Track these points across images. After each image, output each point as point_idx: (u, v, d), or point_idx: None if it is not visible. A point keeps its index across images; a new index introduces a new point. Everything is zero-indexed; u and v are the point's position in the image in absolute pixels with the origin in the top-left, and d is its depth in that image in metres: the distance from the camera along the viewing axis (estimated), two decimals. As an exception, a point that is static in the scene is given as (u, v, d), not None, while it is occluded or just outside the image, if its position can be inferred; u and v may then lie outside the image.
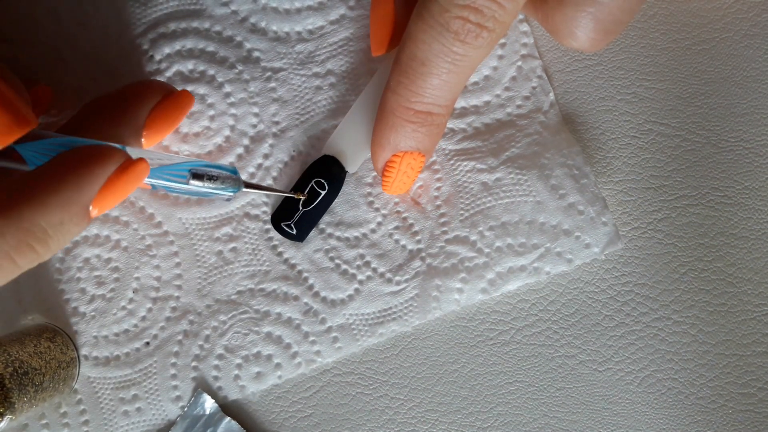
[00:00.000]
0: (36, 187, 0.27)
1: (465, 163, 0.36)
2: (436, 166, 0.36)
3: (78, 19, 0.37)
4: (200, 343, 0.36)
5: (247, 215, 0.37)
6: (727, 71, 0.36)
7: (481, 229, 0.36)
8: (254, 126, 0.37)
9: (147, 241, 0.37)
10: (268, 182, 0.37)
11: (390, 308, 0.36)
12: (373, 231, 0.36)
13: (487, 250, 0.35)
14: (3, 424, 0.31)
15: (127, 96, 0.33)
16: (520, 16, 0.37)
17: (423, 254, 0.36)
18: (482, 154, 0.36)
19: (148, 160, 0.30)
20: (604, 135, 0.37)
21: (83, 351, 0.36)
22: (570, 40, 0.32)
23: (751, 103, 0.36)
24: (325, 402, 0.36)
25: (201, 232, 0.37)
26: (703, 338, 0.36)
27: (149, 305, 0.36)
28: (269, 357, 0.36)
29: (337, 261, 0.36)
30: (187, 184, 0.32)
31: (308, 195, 0.36)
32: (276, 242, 0.36)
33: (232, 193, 0.33)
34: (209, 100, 0.37)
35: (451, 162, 0.36)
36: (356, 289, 0.36)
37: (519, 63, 0.37)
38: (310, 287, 0.36)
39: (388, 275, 0.36)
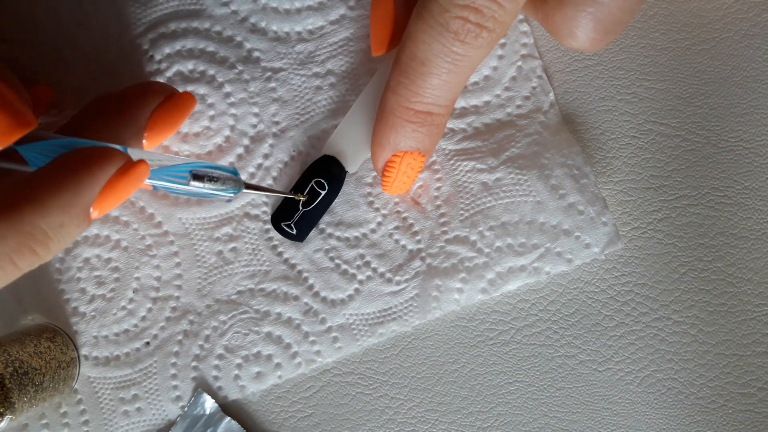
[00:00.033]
0: (37, 189, 0.27)
1: (465, 163, 0.36)
2: (436, 166, 0.36)
3: (78, 19, 0.37)
4: (200, 343, 0.36)
5: (247, 215, 0.37)
6: (727, 71, 0.36)
7: (481, 229, 0.36)
8: (254, 126, 0.37)
9: (147, 241, 0.37)
10: (268, 182, 0.37)
11: (390, 308, 0.36)
12: (373, 231, 0.36)
13: (487, 250, 0.35)
14: (3, 424, 0.31)
15: (128, 97, 0.33)
16: (520, 16, 0.37)
17: (423, 254, 0.36)
18: (482, 154, 0.36)
19: (149, 161, 0.30)
20: (604, 135, 0.37)
21: (83, 351, 0.36)
22: (570, 40, 0.32)
23: (751, 103, 0.36)
24: (325, 402, 0.36)
25: (201, 232, 0.37)
26: (703, 338, 0.36)
27: (149, 305, 0.36)
28: (269, 357, 0.36)
29: (337, 261, 0.36)
30: (188, 185, 0.32)
31: (308, 195, 0.36)
32: (276, 242, 0.36)
33: (232, 195, 0.33)
34: (209, 100, 0.37)
35: (451, 162, 0.36)
36: (356, 289, 0.36)
37: (519, 63, 0.37)
38: (310, 287, 0.36)
39: (388, 275, 0.36)
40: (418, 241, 0.36)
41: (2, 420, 0.31)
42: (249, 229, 0.37)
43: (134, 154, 0.30)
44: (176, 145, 0.37)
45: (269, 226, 0.36)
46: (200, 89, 0.37)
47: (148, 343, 0.36)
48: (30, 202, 0.27)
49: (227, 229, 0.37)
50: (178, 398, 0.36)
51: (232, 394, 0.36)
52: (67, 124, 0.32)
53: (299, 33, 0.37)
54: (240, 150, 0.37)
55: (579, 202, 0.35)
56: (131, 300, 0.36)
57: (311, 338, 0.36)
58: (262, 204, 0.37)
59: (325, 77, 0.37)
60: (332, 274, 0.36)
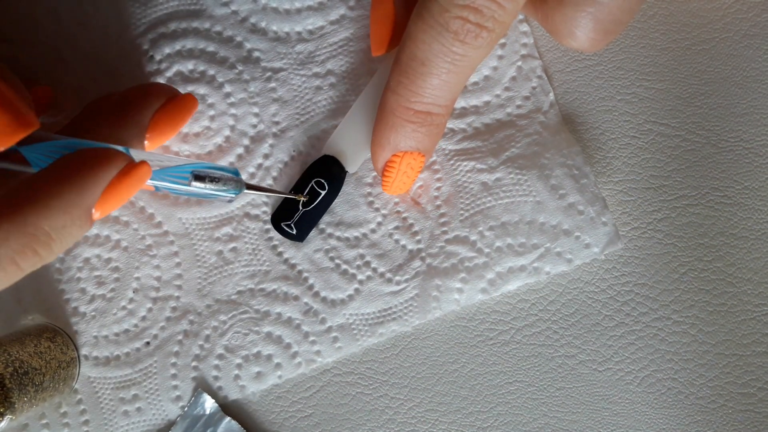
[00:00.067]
0: (39, 190, 0.27)
1: (465, 163, 0.36)
2: (436, 166, 0.36)
3: (78, 19, 0.37)
4: (200, 343, 0.36)
5: (247, 215, 0.37)
6: (727, 71, 0.36)
7: (481, 229, 0.36)
8: (254, 126, 0.37)
9: (147, 241, 0.37)
10: (268, 182, 0.37)
11: (390, 308, 0.36)
12: (373, 231, 0.36)
13: (487, 250, 0.35)
14: (3, 424, 0.31)
15: (131, 98, 0.33)
16: (520, 16, 0.37)
17: (423, 254, 0.36)
18: (482, 154, 0.36)
19: (151, 162, 0.30)
20: (604, 135, 0.37)
21: (83, 351, 0.36)
22: (570, 40, 0.32)
23: (751, 103, 0.36)
24: (325, 402, 0.36)
25: (201, 232, 0.37)
26: (703, 338, 0.36)
27: (149, 305, 0.36)
28: (269, 357, 0.36)
29: (337, 261, 0.36)
30: (189, 185, 0.32)
31: (308, 195, 0.36)
32: (276, 242, 0.36)
33: (234, 195, 0.33)
34: (209, 100, 0.37)
35: (451, 162, 0.36)
36: (356, 289, 0.36)
37: (519, 63, 0.37)
38: (310, 287, 0.36)
39: (388, 275, 0.36)
40: (418, 241, 0.36)
41: (2, 420, 0.31)
42: (249, 229, 0.37)
43: (136, 155, 0.30)
44: (176, 145, 0.37)
45: (269, 226, 0.36)
46: (200, 89, 0.37)
47: (148, 343, 0.36)
48: (33, 204, 0.27)
49: (227, 229, 0.37)
50: (178, 398, 0.36)
51: (232, 394, 0.36)
52: (69, 124, 0.32)
53: (299, 33, 0.37)
54: (240, 150, 0.37)
55: (579, 202, 0.35)
56: (131, 300, 0.36)
57: (311, 338, 0.36)
58: (262, 204, 0.37)
59: (325, 77, 0.37)
60: (332, 274, 0.36)
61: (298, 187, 0.36)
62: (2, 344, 0.33)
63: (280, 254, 0.36)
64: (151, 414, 0.36)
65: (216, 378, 0.36)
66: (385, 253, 0.36)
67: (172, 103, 0.33)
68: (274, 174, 0.37)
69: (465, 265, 0.35)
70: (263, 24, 0.37)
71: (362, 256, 0.36)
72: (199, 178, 0.32)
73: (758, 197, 0.36)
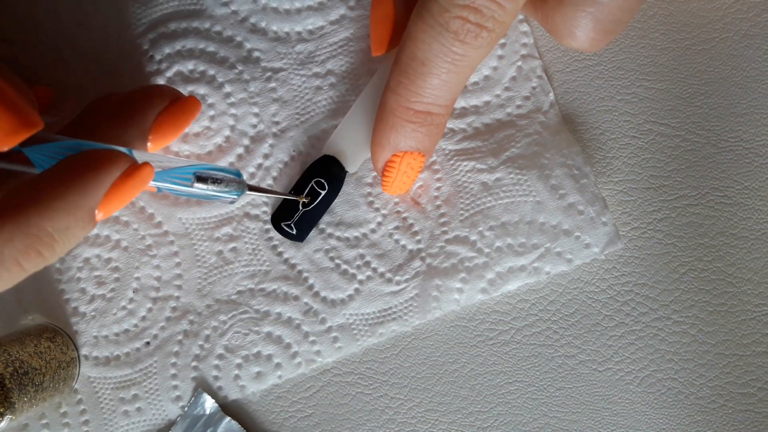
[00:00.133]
0: (43, 191, 0.27)
1: (465, 163, 0.36)
2: (436, 166, 0.36)
3: (78, 19, 0.37)
4: (200, 343, 0.36)
5: (247, 215, 0.37)
6: (727, 71, 0.36)
7: (481, 229, 0.36)
8: (254, 126, 0.37)
9: (147, 241, 0.37)
10: (268, 182, 0.37)
11: (390, 308, 0.36)
12: (373, 231, 0.36)
13: (487, 250, 0.35)
14: (3, 424, 0.31)
15: (134, 100, 0.33)
16: (520, 16, 0.37)
17: (423, 254, 0.36)
18: (482, 154, 0.36)
19: (153, 163, 0.30)
20: (604, 135, 0.37)
21: (83, 351, 0.36)
22: (570, 40, 0.32)
23: (751, 103, 0.36)
24: (325, 402, 0.36)
25: (201, 232, 0.37)
26: (703, 338, 0.36)
27: (149, 305, 0.36)
28: (269, 357, 0.36)
29: (337, 261, 0.36)
30: (192, 186, 0.32)
31: (308, 195, 0.36)
32: (276, 242, 0.36)
33: (236, 196, 0.33)
34: (209, 100, 0.37)
35: (451, 162, 0.36)
36: (356, 289, 0.36)
37: (519, 63, 0.37)
38: (310, 287, 0.36)
39: (388, 275, 0.36)
40: (418, 241, 0.36)
41: (2, 420, 0.31)
42: (249, 229, 0.37)
43: (139, 156, 0.30)
44: (176, 145, 0.37)
45: (269, 226, 0.36)
46: (200, 89, 0.37)
47: (148, 343, 0.36)
48: (36, 205, 0.27)
49: (227, 229, 0.37)
50: (178, 398, 0.36)
51: (232, 394, 0.36)
52: (69, 124, 0.32)
53: (299, 33, 0.37)
54: (240, 150, 0.37)
55: (579, 202, 0.35)
56: (131, 300, 0.36)
57: (311, 338, 0.36)
58: (262, 204, 0.37)
59: (325, 77, 0.37)
60: (332, 274, 0.36)
61: (298, 187, 0.36)
62: (2, 344, 0.33)
63: (280, 254, 0.36)
64: (151, 414, 0.36)
65: (216, 378, 0.36)
66: (385, 253, 0.36)
67: (175, 106, 0.33)
68: (274, 174, 0.37)
69: (465, 265, 0.35)
70: (263, 24, 0.37)
71: (362, 256, 0.36)
72: (201, 179, 0.32)
73: (758, 197, 0.36)
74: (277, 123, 0.37)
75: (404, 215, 0.36)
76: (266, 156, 0.37)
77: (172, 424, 0.36)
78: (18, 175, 0.30)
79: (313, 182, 0.36)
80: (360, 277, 0.36)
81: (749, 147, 0.36)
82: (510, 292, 0.36)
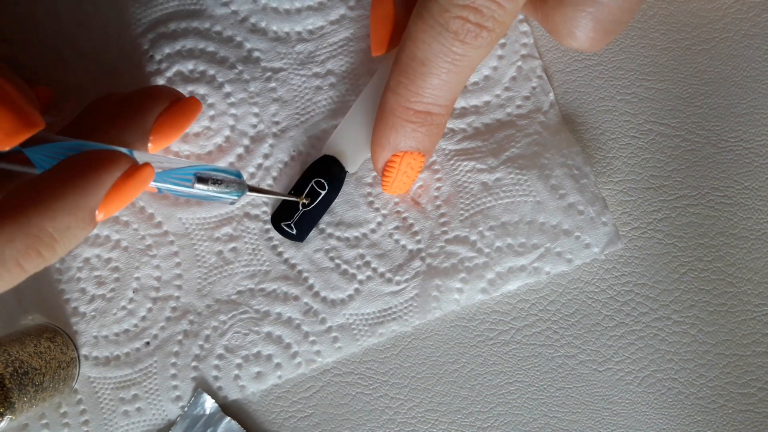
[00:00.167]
0: (44, 191, 0.27)
1: (465, 163, 0.36)
2: (436, 166, 0.36)
3: (78, 19, 0.37)
4: (200, 343, 0.36)
5: (247, 215, 0.37)
6: (727, 71, 0.36)
7: (481, 229, 0.36)
8: (254, 126, 0.37)
9: (147, 241, 0.37)
10: (268, 182, 0.37)
11: (390, 308, 0.36)
12: (373, 231, 0.36)
13: (487, 250, 0.35)
14: (3, 424, 0.31)
15: (135, 100, 0.33)
16: (520, 16, 0.37)
17: (423, 254, 0.36)
18: (482, 154, 0.36)
19: (154, 164, 0.30)
20: (604, 135, 0.37)
21: (83, 351, 0.36)
22: (570, 40, 0.32)
23: (751, 103, 0.36)
24: (325, 402, 0.36)
25: (201, 232, 0.37)
26: (703, 338, 0.36)
27: (149, 305, 0.36)
28: (269, 357, 0.36)
29: (337, 261, 0.36)
30: (192, 187, 0.32)
31: (308, 195, 0.36)
32: (276, 242, 0.36)
33: (236, 197, 0.33)
34: (209, 100, 0.37)
35: (451, 162, 0.36)
36: (356, 289, 0.36)
37: (519, 63, 0.37)
38: (310, 287, 0.36)
39: (388, 275, 0.36)
40: (418, 241, 0.36)
41: (2, 420, 0.31)
42: (249, 229, 0.37)
43: (139, 157, 0.30)
44: (176, 145, 0.37)
45: (269, 226, 0.36)
46: (200, 89, 0.37)
47: (148, 343, 0.36)
48: (37, 205, 0.27)
49: (227, 229, 0.37)
50: (178, 398, 0.36)
51: (232, 394, 0.36)
52: (69, 125, 0.32)
53: (299, 33, 0.37)
54: (240, 150, 0.37)
55: (579, 202, 0.35)
56: (131, 300, 0.36)
57: (311, 338, 0.36)
58: (262, 204, 0.37)
59: (325, 77, 0.37)
60: (332, 274, 0.36)
61: (298, 187, 0.36)
62: (2, 344, 0.33)
63: (280, 254, 0.36)
64: (151, 414, 0.36)
65: (216, 378, 0.36)
66: (385, 253, 0.36)
67: (176, 106, 0.33)
68: (274, 174, 0.37)
69: (465, 265, 0.35)
70: (263, 24, 0.37)
71: (362, 256, 0.36)
72: (201, 180, 0.32)
73: (758, 197, 0.36)
74: (277, 123, 0.37)
75: (404, 215, 0.36)
76: (266, 156, 0.37)
77: (172, 424, 0.36)
78: (18, 175, 0.30)
79: (313, 182, 0.36)
80: (360, 277, 0.36)
81: (749, 147, 0.36)
82: (510, 292, 0.36)
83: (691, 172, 0.36)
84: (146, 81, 0.37)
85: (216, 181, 0.32)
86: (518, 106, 0.36)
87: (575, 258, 0.35)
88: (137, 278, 0.37)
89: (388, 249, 0.36)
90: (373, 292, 0.36)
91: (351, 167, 0.36)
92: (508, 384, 0.36)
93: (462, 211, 0.36)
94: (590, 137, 0.37)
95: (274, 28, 0.37)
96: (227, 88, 0.37)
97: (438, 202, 0.36)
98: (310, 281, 0.36)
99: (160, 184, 0.31)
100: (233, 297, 0.36)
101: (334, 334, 0.36)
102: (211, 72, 0.37)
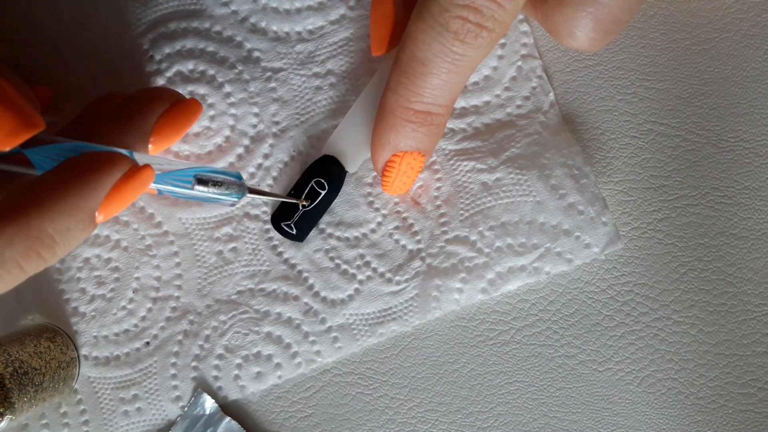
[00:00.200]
0: (44, 193, 0.27)
1: (465, 163, 0.36)
2: (436, 166, 0.36)
3: (78, 19, 0.37)
4: (200, 343, 0.36)
5: (247, 215, 0.37)
6: (727, 71, 0.36)
7: (481, 229, 0.36)
8: (254, 126, 0.37)
9: (147, 241, 0.37)
10: (268, 182, 0.37)
11: (390, 308, 0.36)
12: (373, 231, 0.36)
13: (487, 250, 0.35)
14: (3, 424, 0.31)
15: (135, 102, 0.33)
16: (520, 16, 0.37)
17: (423, 254, 0.36)
18: (482, 154, 0.36)
19: (154, 165, 0.30)
20: (604, 135, 0.37)
21: (83, 351, 0.36)
22: (570, 40, 0.32)
23: (751, 103, 0.36)
24: (325, 402, 0.36)
25: (201, 232, 0.37)
26: (703, 338, 0.36)
27: (149, 305, 0.36)
28: (269, 357, 0.36)
29: (337, 261, 0.36)
30: (192, 189, 0.32)
31: (308, 195, 0.36)
32: (276, 242, 0.36)
33: (236, 199, 0.33)
34: (209, 100, 0.37)
35: (451, 162, 0.36)
36: (356, 289, 0.36)
37: (519, 63, 0.37)
38: (310, 287, 0.36)
39: (388, 275, 0.36)
40: (418, 241, 0.36)
41: (2, 420, 0.31)
42: (249, 229, 0.37)
43: (140, 158, 0.30)
44: (176, 145, 0.37)
45: (269, 226, 0.36)
46: (200, 89, 0.37)
47: (148, 343, 0.36)
48: (37, 206, 0.27)
49: (227, 229, 0.37)
50: (178, 398, 0.36)
51: (232, 394, 0.36)
52: (69, 125, 0.32)
53: (299, 33, 0.37)
54: (240, 150, 0.37)
55: (579, 202, 0.35)
56: (131, 300, 0.36)
57: (311, 338, 0.36)
58: (262, 204, 0.37)
59: (325, 77, 0.37)
60: (332, 274, 0.36)
61: (298, 187, 0.36)
62: (2, 344, 0.33)
63: (280, 254, 0.36)
64: (151, 414, 0.36)
65: (216, 378, 0.36)
66: (385, 253, 0.36)
67: (176, 108, 0.33)
68: (274, 174, 0.37)
69: (465, 265, 0.35)
70: (263, 24, 0.37)
71: (362, 256, 0.36)
72: (201, 181, 0.32)
73: (758, 197, 0.36)
74: (277, 123, 0.37)
75: (404, 215, 0.36)
76: (266, 156, 0.37)
77: (172, 424, 0.36)
78: (19, 176, 0.30)
79: (313, 182, 0.36)
80: (360, 277, 0.36)
81: (749, 147, 0.36)
82: (510, 292, 0.36)
83: (691, 172, 0.36)
84: (146, 81, 0.37)
85: (216, 183, 0.32)
86: (518, 106, 0.36)
87: (575, 258, 0.35)
88: (137, 278, 0.37)
89: (388, 249, 0.36)
90: (373, 292, 0.36)
91: (351, 167, 0.36)
92: (508, 384, 0.36)
93: (462, 211, 0.36)
94: (590, 137, 0.37)
95: (274, 28, 0.37)
96: (227, 88, 0.37)
97: (438, 202, 0.36)
98: (310, 281, 0.36)
99: (160, 186, 0.31)
100: (233, 297, 0.36)
101: (334, 334, 0.36)
102: (211, 72, 0.37)
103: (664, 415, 0.35)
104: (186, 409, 0.36)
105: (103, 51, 0.37)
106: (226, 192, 0.32)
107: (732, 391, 0.35)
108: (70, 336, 0.36)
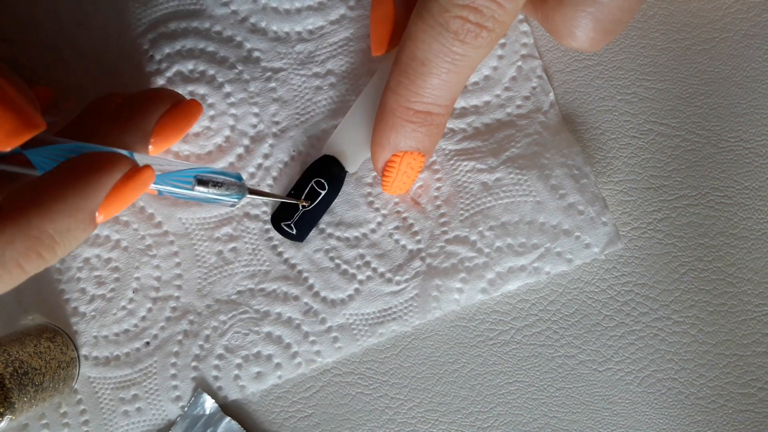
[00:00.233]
0: (44, 193, 0.27)
1: (465, 163, 0.36)
2: (436, 166, 0.36)
3: (78, 19, 0.37)
4: (200, 343, 0.36)
5: (247, 215, 0.37)
6: (727, 71, 0.36)
7: (481, 229, 0.36)
8: (254, 126, 0.37)
9: (147, 241, 0.37)
10: (268, 182, 0.37)
11: (390, 308, 0.36)
12: (373, 231, 0.36)
13: (487, 250, 0.35)
14: (3, 424, 0.31)
15: (136, 102, 0.33)
16: (520, 16, 0.37)
17: (423, 254, 0.36)
18: (482, 154, 0.36)
19: (154, 166, 0.30)
20: (604, 135, 0.37)
21: (83, 351, 0.36)
22: (570, 40, 0.32)
23: (751, 103, 0.36)
24: (325, 402, 0.36)
25: (201, 232, 0.37)
26: (703, 338, 0.36)
27: (149, 305, 0.36)
28: (269, 357, 0.36)
29: (337, 261, 0.36)
30: (192, 190, 0.32)
31: (308, 195, 0.36)
32: (276, 242, 0.36)
33: (237, 200, 0.33)
34: (209, 100, 0.37)
35: (451, 162, 0.36)
36: (356, 289, 0.36)
37: (519, 63, 0.37)
38: (310, 287, 0.36)
39: (388, 275, 0.36)
40: (418, 241, 0.36)
41: (2, 420, 0.31)
42: (249, 229, 0.37)
43: (140, 159, 0.30)
44: (176, 145, 0.37)
45: (269, 226, 0.36)
46: (200, 89, 0.37)
47: (148, 343, 0.36)
48: (37, 207, 0.27)
49: (227, 229, 0.37)
50: (178, 398, 0.36)
51: (232, 394, 0.36)
52: (69, 125, 0.32)
53: (299, 33, 0.37)
54: (240, 150, 0.37)
55: (579, 202, 0.35)
56: (131, 300, 0.36)
57: (311, 338, 0.36)
58: (262, 204, 0.37)
59: (325, 77, 0.37)
60: (332, 274, 0.36)
61: (298, 187, 0.36)
62: (2, 344, 0.33)
63: (280, 254, 0.36)
64: (151, 414, 0.36)
65: (216, 378, 0.36)
66: (385, 253, 0.36)
67: (177, 109, 0.33)
68: (274, 174, 0.37)
69: (465, 265, 0.35)
70: (263, 24, 0.37)
71: (362, 256, 0.36)
72: (202, 182, 0.32)
73: (758, 197, 0.36)
74: (277, 123, 0.37)
75: (404, 215, 0.36)
76: (266, 156, 0.37)
77: (172, 424, 0.36)
78: (19, 177, 0.30)
79: (313, 182, 0.36)
80: (360, 277, 0.36)
81: (749, 147, 0.36)
82: (510, 292, 0.36)
83: (691, 172, 0.36)
84: (146, 81, 0.37)
85: (216, 184, 0.32)
86: (518, 106, 0.36)
87: (575, 258, 0.35)
88: (137, 278, 0.37)
89: (388, 249, 0.36)
90: (373, 292, 0.36)
91: (351, 167, 0.36)
92: (508, 384, 0.36)
93: (462, 211, 0.36)
94: (590, 137, 0.37)
95: (274, 28, 0.37)
96: (227, 88, 0.37)
97: (438, 202, 0.36)
98: (310, 281, 0.36)
99: (160, 187, 0.31)
100: (233, 297, 0.36)
101: (334, 334, 0.36)
102: (211, 72, 0.37)
103: (664, 415, 0.35)
104: (186, 409, 0.36)
105: (103, 51, 0.37)
106: (226, 193, 0.32)
107: (732, 391, 0.35)
108: (70, 336, 0.36)
